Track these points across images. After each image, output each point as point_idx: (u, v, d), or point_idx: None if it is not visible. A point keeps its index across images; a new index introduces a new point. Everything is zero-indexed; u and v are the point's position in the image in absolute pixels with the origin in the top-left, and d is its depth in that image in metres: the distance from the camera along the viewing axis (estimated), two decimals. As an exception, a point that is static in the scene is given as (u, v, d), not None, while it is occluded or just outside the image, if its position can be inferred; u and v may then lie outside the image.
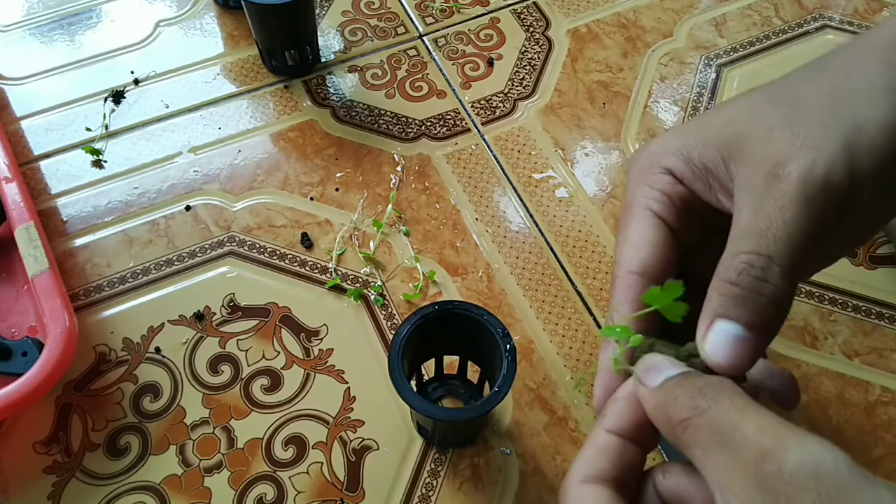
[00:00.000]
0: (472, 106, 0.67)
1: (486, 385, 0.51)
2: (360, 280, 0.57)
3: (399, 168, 0.63)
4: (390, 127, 0.66)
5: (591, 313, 0.56)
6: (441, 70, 0.69)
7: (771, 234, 0.25)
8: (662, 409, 0.25)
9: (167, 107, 0.67)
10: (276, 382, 0.53)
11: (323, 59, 0.70)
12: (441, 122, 0.66)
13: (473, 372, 0.52)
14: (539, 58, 0.70)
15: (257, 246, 0.59)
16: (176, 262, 0.58)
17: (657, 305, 0.28)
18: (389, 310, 0.56)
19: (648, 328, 0.29)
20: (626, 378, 0.29)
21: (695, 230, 0.31)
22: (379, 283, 0.57)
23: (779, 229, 0.25)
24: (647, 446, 0.27)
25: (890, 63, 0.27)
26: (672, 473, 0.27)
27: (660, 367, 0.26)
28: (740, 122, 0.29)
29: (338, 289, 0.57)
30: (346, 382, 0.53)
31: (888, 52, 0.28)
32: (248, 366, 0.54)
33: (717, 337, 0.26)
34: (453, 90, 0.68)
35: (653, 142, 0.31)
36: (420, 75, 0.69)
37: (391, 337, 0.52)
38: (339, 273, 0.58)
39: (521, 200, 0.62)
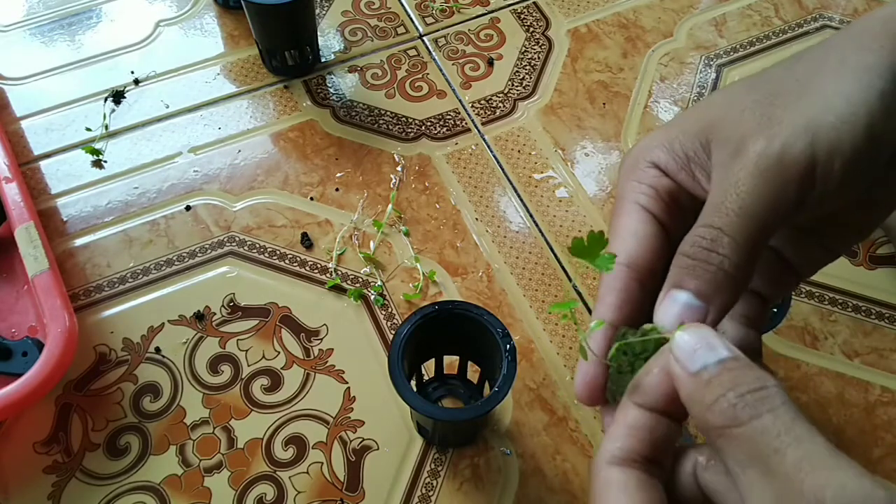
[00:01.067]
0: (472, 106, 0.67)
1: (486, 385, 0.51)
2: (360, 280, 0.57)
3: (399, 168, 0.63)
4: (390, 127, 0.66)
5: (591, 314, 0.56)
6: (441, 70, 0.69)
7: (724, 208, 0.26)
8: (698, 405, 0.23)
9: (167, 107, 0.67)
10: (276, 382, 0.53)
11: (323, 59, 0.70)
12: (441, 122, 0.66)
13: (473, 372, 0.52)
14: (539, 58, 0.70)
15: (257, 246, 0.59)
16: (176, 262, 0.58)
17: (587, 259, 0.28)
18: (389, 310, 0.56)
19: (631, 318, 0.29)
20: (603, 369, 0.28)
21: (684, 224, 0.30)
22: (379, 282, 0.57)
23: (732, 202, 0.26)
24: (683, 418, 0.26)
25: (864, 46, 0.28)
26: (714, 467, 0.26)
27: (696, 349, 0.24)
28: (717, 107, 0.29)
29: (338, 289, 0.57)
30: (346, 382, 0.53)
31: (865, 38, 0.28)
32: (248, 366, 0.54)
33: (668, 305, 0.26)
34: (453, 90, 0.68)
35: (642, 139, 0.31)
36: (420, 75, 0.69)
37: (391, 337, 0.52)
38: (339, 273, 0.58)
39: (521, 200, 0.62)
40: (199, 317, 0.55)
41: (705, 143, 0.28)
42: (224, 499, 0.49)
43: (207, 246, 0.59)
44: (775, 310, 0.50)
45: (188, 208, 0.61)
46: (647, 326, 0.27)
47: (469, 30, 0.72)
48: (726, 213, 0.26)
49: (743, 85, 0.29)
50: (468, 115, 0.67)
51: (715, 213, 0.26)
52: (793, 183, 0.26)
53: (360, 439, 0.51)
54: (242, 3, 0.62)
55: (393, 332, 0.55)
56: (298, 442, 0.51)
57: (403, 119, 0.66)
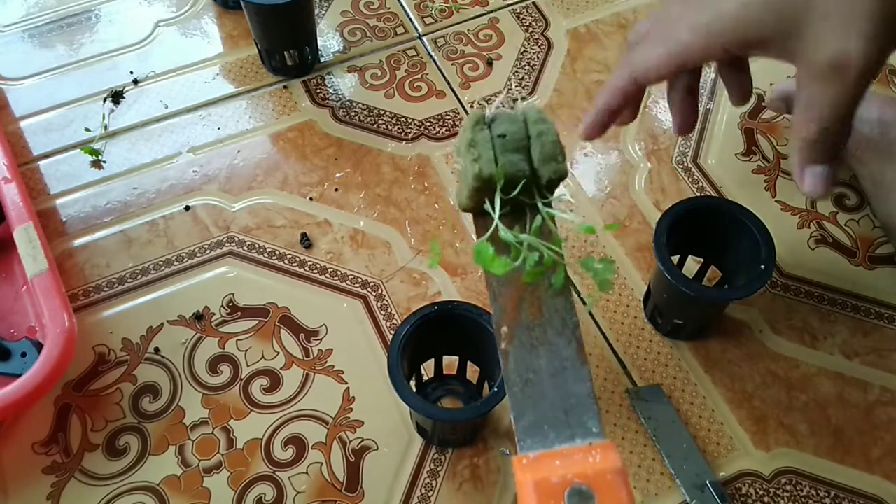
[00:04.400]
0: (472, 106, 0.67)
1: (486, 385, 0.51)
2: (360, 280, 0.57)
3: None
4: (389, 127, 0.66)
5: (590, 313, 0.56)
6: (440, 70, 0.69)
7: (835, 112, 0.37)
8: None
9: (166, 107, 0.67)
10: (275, 383, 0.53)
11: (322, 60, 0.70)
12: (440, 123, 0.66)
13: (473, 372, 0.52)
14: (538, 58, 0.70)
15: (256, 246, 0.59)
16: (175, 263, 0.58)
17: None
18: (389, 310, 0.56)
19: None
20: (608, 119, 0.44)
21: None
22: (379, 282, 0.57)
23: (840, 108, 0.37)
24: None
25: None
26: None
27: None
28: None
29: (337, 289, 0.57)
30: (346, 383, 0.53)
31: None
32: (248, 366, 0.54)
33: (810, 177, 0.39)
34: (452, 90, 0.68)
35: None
36: (419, 75, 0.69)
37: (391, 337, 0.52)
38: (339, 273, 0.58)
39: (521, 201, 0.62)
40: (199, 317, 0.55)
41: (784, 32, 0.37)
42: (223, 499, 0.49)
43: (206, 246, 0.59)
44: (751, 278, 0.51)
45: (187, 208, 0.61)
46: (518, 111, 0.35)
47: (468, 30, 0.72)
48: (837, 116, 0.37)
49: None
50: (467, 115, 0.66)
51: (824, 111, 0.37)
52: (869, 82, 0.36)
53: (360, 439, 0.51)
54: (241, 3, 0.62)
55: (392, 332, 0.55)
56: (298, 442, 0.51)
57: (403, 119, 0.66)
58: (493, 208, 0.34)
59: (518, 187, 0.33)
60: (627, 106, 0.44)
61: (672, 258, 0.50)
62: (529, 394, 0.32)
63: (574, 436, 0.31)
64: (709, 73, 0.70)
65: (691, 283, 0.48)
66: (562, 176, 0.34)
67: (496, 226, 0.33)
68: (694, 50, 0.40)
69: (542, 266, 0.33)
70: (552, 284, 0.33)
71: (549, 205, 0.34)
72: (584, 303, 0.56)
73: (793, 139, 0.40)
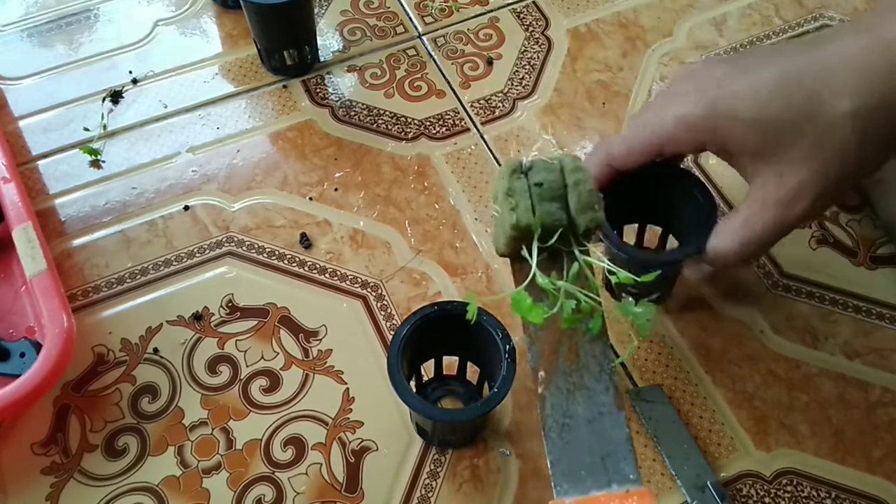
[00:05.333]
0: (472, 106, 0.67)
1: (486, 386, 0.51)
2: (360, 280, 0.57)
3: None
4: (389, 127, 0.66)
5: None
6: (440, 70, 0.69)
7: (765, 237, 0.41)
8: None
9: (165, 107, 0.66)
10: (274, 383, 0.53)
11: (322, 59, 0.70)
12: (440, 122, 0.66)
13: (473, 373, 0.52)
14: (538, 57, 0.70)
15: (256, 246, 0.59)
16: (174, 263, 0.58)
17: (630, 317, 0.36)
18: (389, 310, 0.56)
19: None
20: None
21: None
22: (378, 282, 0.57)
23: (772, 235, 0.42)
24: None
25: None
26: None
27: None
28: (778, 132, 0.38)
29: (337, 289, 0.57)
30: (346, 383, 0.53)
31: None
32: (247, 367, 0.53)
33: (698, 271, 0.49)
34: (452, 90, 0.68)
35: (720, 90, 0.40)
36: (419, 75, 0.69)
37: (391, 337, 0.52)
38: (339, 273, 0.57)
39: (521, 200, 0.62)
40: (198, 317, 0.55)
41: (755, 154, 0.40)
42: (223, 500, 0.49)
43: (206, 246, 0.59)
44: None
45: (186, 208, 0.61)
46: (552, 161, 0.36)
47: (468, 29, 0.72)
48: (762, 235, 0.41)
49: (787, 123, 0.38)
50: (467, 114, 0.66)
51: (749, 229, 0.41)
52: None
53: (360, 440, 0.51)
54: (241, 2, 0.62)
55: (392, 332, 0.54)
56: (297, 443, 0.51)
57: (402, 119, 0.66)
58: (531, 255, 0.34)
59: (555, 236, 0.33)
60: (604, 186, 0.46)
61: (630, 226, 0.52)
62: (567, 439, 0.32)
63: (611, 482, 0.31)
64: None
65: (625, 246, 0.47)
66: (599, 225, 0.34)
67: (533, 274, 0.34)
68: (678, 140, 0.42)
69: (579, 313, 0.33)
70: (589, 329, 0.33)
71: (585, 252, 0.34)
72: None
73: (712, 239, 0.43)
